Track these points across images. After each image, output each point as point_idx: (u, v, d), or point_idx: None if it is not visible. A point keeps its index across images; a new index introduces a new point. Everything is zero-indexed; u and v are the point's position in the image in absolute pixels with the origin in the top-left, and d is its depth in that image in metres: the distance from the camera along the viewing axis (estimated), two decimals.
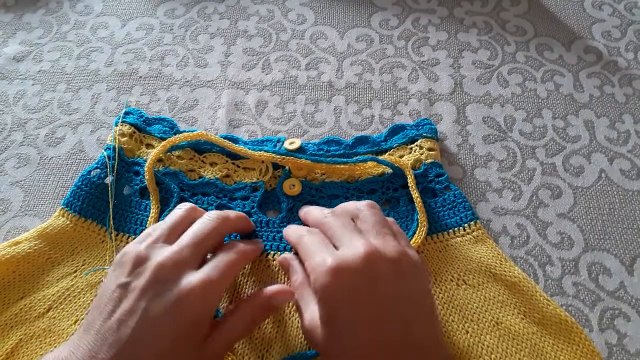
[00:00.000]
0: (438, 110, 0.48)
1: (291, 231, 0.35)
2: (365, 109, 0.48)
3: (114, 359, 0.27)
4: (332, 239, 0.32)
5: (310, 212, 0.37)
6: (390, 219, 0.34)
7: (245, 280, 0.37)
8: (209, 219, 0.33)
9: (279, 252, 0.38)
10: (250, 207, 0.40)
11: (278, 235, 0.39)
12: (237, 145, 0.42)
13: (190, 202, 0.40)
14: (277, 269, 0.37)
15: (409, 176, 0.40)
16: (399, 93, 0.49)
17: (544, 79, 0.50)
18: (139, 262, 0.30)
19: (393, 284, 0.29)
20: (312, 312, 0.30)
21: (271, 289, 0.33)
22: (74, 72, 0.51)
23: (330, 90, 0.49)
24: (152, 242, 0.31)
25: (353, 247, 0.29)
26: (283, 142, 0.42)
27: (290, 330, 0.35)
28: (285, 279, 0.37)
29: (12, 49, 0.52)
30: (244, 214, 0.37)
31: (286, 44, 0.53)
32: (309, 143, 0.44)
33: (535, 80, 0.50)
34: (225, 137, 0.44)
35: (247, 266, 0.38)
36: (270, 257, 0.38)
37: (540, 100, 0.48)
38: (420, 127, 0.44)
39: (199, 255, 0.31)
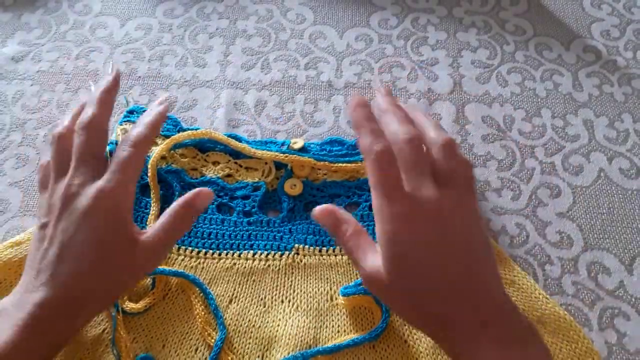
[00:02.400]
0: (437, 110, 0.48)
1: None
2: None
3: (49, 280, 0.28)
4: (403, 171, 0.29)
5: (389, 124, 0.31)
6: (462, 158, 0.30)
7: (245, 279, 0.37)
8: (78, 133, 0.32)
9: (279, 252, 0.38)
10: (251, 206, 0.40)
11: (278, 235, 0.39)
12: (240, 143, 0.42)
13: None
14: (277, 268, 0.37)
15: None
16: (398, 93, 0.49)
17: (543, 78, 0.50)
18: (49, 205, 0.31)
19: (461, 230, 0.28)
20: (373, 259, 0.29)
21: (194, 190, 0.32)
22: (72, 72, 0.51)
23: (329, 90, 0.49)
24: (53, 183, 0.32)
25: (426, 193, 0.27)
26: (288, 146, 0.42)
27: (290, 330, 0.35)
28: (286, 278, 0.37)
29: (10, 49, 0.52)
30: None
31: (285, 43, 0.53)
32: (311, 143, 0.44)
33: (534, 79, 0.50)
34: (228, 136, 0.44)
35: (246, 266, 0.38)
36: (270, 256, 0.38)
37: (539, 99, 0.48)
38: None
39: (93, 166, 0.31)
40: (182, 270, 0.36)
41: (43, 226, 0.31)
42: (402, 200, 0.27)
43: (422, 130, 0.31)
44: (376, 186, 0.28)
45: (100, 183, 0.30)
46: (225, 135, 0.44)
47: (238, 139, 0.44)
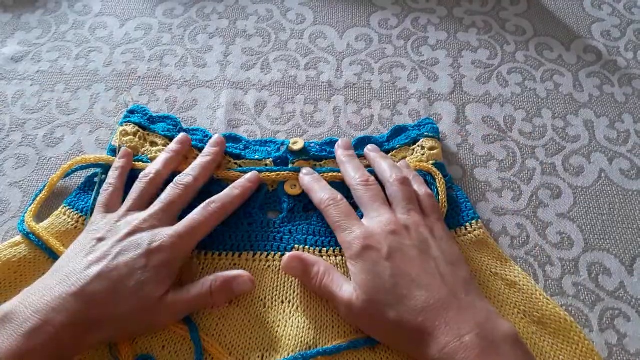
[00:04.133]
0: (438, 110, 0.48)
1: (317, 196, 0.38)
2: (365, 108, 0.48)
3: (78, 293, 0.29)
4: (361, 207, 0.37)
5: (348, 172, 0.39)
6: (427, 192, 0.37)
7: None
8: (176, 186, 0.37)
9: (279, 253, 0.38)
10: (251, 207, 0.40)
11: (278, 235, 0.39)
12: (229, 171, 0.41)
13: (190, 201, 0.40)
14: (277, 269, 0.37)
15: (438, 180, 0.40)
16: (398, 93, 0.49)
17: (543, 78, 0.50)
18: (114, 223, 0.34)
19: (418, 252, 0.32)
20: (347, 289, 0.32)
21: (233, 272, 0.35)
22: (72, 72, 0.51)
23: (329, 90, 0.49)
24: (125, 211, 0.36)
25: (380, 218, 0.34)
26: (287, 146, 0.42)
27: (290, 330, 0.35)
28: (286, 278, 0.37)
29: (10, 49, 0.52)
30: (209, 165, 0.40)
31: (285, 43, 0.53)
32: (312, 143, 0.44)
33: (534, 79, 0.50)
34: (228, 136, 0.44)
35: (246, 266, 0.38)
36: (270, 257, 0.38)
37: (540, 100, 0.48)
38: (422, 126, 0.44)
39: (169, 217, 0.35)
40: None
41: (99, 239, 0.33)
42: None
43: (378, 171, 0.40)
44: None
45: (176, 228, 0.34)
46: (222, 135, 0.44)
47: (237, 139, 0.44)
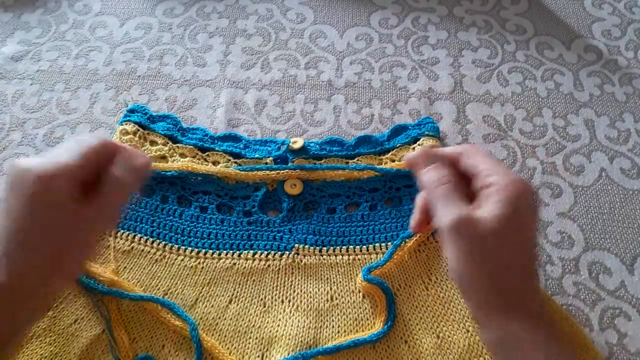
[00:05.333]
0: (438, 109, 0.47)
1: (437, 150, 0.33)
2: (365, 108, 0.48)
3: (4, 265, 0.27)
4: (477, 166, 0.30)
5: (434, 151, 0.33)
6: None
7: (245, 279, 0.37)
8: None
9: (279, 252, 0.38)
10: (251, 206, 0.40)
11: (278, 235, 0.39)
12: (229, 169, 0.41)
13: (191, 200, 0.40)
14: (277, 268, 0.37)
15: None
16: (398, 92, 0.49)
17: (544, 77, 0.50)
18: None
19: (534, 219, 0.29)
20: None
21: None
22: (72, 71, 0.50)
23: (329, 90, 0.49)
24: None
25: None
26: (288, 145, 0.42)
27: (290, 331, 0.35)
28: (286, 278, 0.37)
29: (10, 49, 0.52)
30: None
31: (285, 43, 0.53)
32: (311, 142, 0.44)
33: (535, 79, 0.50)
34: (228, 135, 0.44)
35: (246, 266, 0.37)
36: (270, 256, 0.38)
37: (540, 99, 0.48)
38: (422, 125, 0.44)
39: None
40: (148, 295, 0.35)
41: None
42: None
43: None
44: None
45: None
46: (222, 134, 0.44)
47: (236, 138, 0.44)
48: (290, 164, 0.41)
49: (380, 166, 0.41)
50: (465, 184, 0.31)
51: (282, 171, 0.41)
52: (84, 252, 0.32)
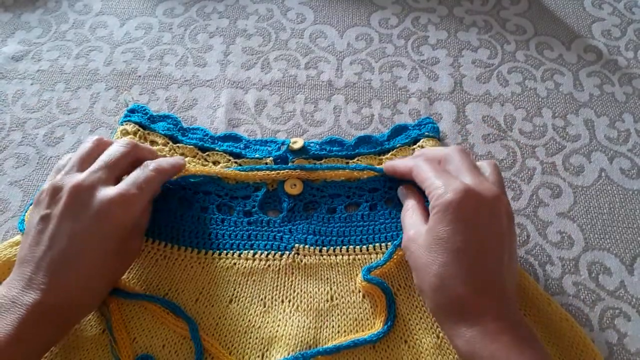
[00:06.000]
0: (438, 110, 0.47)
1: (399, 162, 0.38)
2: (365, 108, 0.48)
3: (52, 280, 0.28)
4: (423, 182, 0.33)
5: (396, 164, 0.38)
6: (491, 161, 0.35)
7: (245, 279, 0.37)
8: (119, 144, 0.35)
9: (279, 252, 0.38)
10: (251, 206, 0.40)
11: (278, 235, 0.39)
12: (228, 170, 0.41)
13: (191, 200, 0.40)
14: (277, 268, 0.37)
15: None
16: (398, 92, 0.49)
17: (543, 77, 0.50)
18: (55, 192, 0.31)
19: (488, 223, 0.30)
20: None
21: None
22: (72, 71, 0.51)
23: (329, 90, 0.49)
24: (65, 173, 0.33)
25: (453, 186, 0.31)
26: (288, 145, 0.42)
27: (290, 331, 0.35)
28: (286, 278, 0.37)
29: (10, 49, 0.52)
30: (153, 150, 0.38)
31: (285, 43, 0.53)
32: (311, 142, 0.44)
33: (535, 79, 0.50)
34: (228, 135, 0.44)
35: (246, 266, 0.38)
36: (270, 256, 0.38)
37: (540, 99, 0.48)
38: (422, 126, 0.44)
39: (112, 175, 0.33)
40: (148, 295, 0.35)
41: (43, 217, 0.31)
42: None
43: None
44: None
45: (121, 186, 0.32)
46: (222, 134, 0.44)
47: (237, 138, 0.44)
48: (290, 164, 0.41)
49: (381, 166, 0.41)
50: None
51: (282, 171, 0.41)
52: (133, 258, 0.35)
